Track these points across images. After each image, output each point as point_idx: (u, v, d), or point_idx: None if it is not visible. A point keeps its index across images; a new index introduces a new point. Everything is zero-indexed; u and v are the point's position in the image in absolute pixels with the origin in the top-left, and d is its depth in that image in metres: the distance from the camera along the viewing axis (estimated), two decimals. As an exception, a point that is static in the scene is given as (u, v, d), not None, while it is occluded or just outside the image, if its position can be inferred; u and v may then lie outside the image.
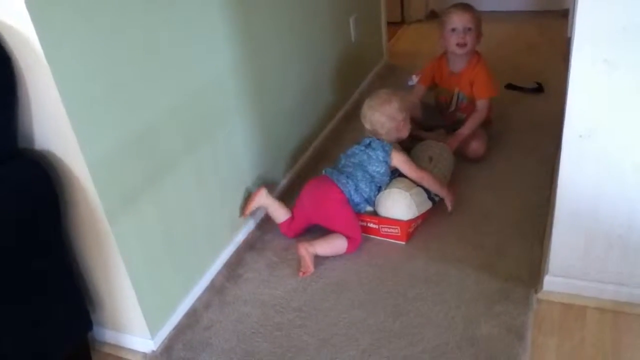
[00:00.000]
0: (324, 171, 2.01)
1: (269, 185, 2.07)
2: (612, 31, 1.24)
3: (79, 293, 1.50)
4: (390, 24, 3.66)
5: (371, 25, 3.15)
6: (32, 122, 1.29)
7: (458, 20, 2.28)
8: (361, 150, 1.97)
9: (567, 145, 1.40)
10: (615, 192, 1.41)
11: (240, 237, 1.99)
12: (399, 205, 1.91)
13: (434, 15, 4.17)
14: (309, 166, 2.41)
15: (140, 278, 1.52)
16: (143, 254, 1.54)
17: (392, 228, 1.93)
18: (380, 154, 1.94)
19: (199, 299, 1.78)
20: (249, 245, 1.99)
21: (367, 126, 2.03)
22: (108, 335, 1.64)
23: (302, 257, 1.84)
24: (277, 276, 1.85)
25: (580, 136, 1.37)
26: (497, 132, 2.49)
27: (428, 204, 1.98)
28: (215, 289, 1.82)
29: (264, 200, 1.99)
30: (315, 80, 2.48)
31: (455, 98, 2.42)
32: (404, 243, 1.93)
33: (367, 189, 1.93)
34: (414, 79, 2.90)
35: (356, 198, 1.92)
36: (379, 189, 1.97)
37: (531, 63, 3.18)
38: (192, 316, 1.72)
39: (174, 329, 1.68)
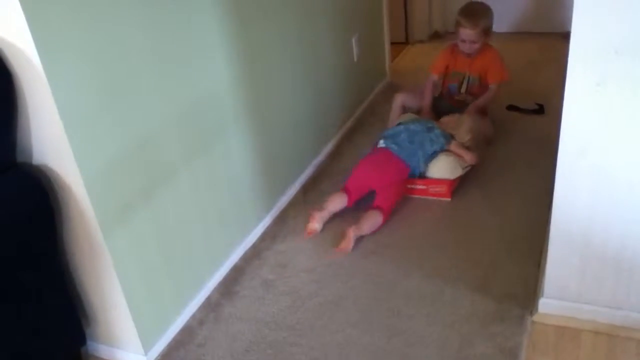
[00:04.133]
0: (383, 143, 2.33)
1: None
2: (605, 52, 1.25)
3: (73, 307, 1.50)
4: (394, 44, 3.69)
5: (374, 45, 3.18)
6: (30, 137, 1.31)
7: (465, 35, 2.58)
8: (423, 131, 2.33)
9: (562, 165, 1.40)
10: (609, 213, 1.41)
11: (237, 253, 1.99)
12: (448, 166, 2.30)
13: (437, 36, 4.20)
14: (309, 184, 2.42)
15: (134, 293, 1.53)
16: (138, 268, 1.54)
17: (439, 187, 2.28)
18: (442, 140, 2.34)
19: (194, 315, 1.78)
20: (246, 262, 2.00)
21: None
22: (101, 350, 1.65)
23: (348, 238, 2.00)
24: (272, 293, 1.85)
25: (575, 155, 1.37)
26: (497, 150, 2.50)
27: (464, 170, 2.33)
28: (211, 306, 1.82)
29: (321, 221, 2.14)
30: (317, 98, 2.50)
31: (466, 81, 2.70)
32: (448, 200, 2.26)
33: (424, 164, 2.30)
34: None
35: (415, 171, 2.29)
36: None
37: (532, 83, 3.19)
38: (187, 332, 1.72)
39: (167, 345, 1.68)
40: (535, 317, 1.62)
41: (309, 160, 2.49)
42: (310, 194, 2.37)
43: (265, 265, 1.98)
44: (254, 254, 2.04)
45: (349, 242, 2.01)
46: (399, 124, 2.44)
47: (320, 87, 2.54)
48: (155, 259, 1.61)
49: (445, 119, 2.49)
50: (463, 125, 2.42)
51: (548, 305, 1.60)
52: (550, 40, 3.78)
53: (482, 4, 2.70)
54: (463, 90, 2.71)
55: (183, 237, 1.72)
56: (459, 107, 2.65)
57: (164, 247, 1.64)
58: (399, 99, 2.72)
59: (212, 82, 1.79)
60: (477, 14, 2.60)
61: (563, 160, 1.40)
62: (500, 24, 3.98)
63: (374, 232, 2.07)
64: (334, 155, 2.64)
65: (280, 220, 2.21)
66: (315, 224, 2.12)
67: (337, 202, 2.19)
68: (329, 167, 2.55)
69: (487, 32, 2.61)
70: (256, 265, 1.98)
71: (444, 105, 2.72)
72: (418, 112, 2.69)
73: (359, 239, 2.04)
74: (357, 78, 2.93)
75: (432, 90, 2.73)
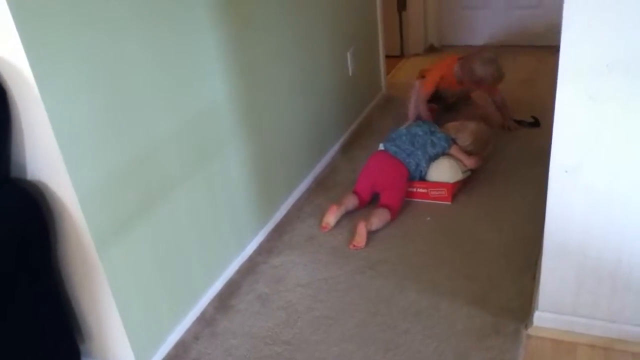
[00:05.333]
0: (382, 146, 2.39)
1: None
2: (595, 67, 1.26)
3: (67, 323, 1.49)
4: (389, 57, 3.71)
5: (369, 58, 3.19)
6: (24, 152, 1.31)
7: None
8: (425, 133, 2.38)
9: (554, 180, 1.41)
10: (603, 226, 1.42)
11: (233, 267, 1.99)
12: (449, 170, 2.33)
13: (432, 49, 4.23)
14: (305, 198, 2.42)
15: (129, 308, 1.52)
16: (133, 283, 1.54)
17: (440, 190, 2.30)
18: (444, 144, 2.38)
19: (189, 330, 1.77)
20: (242, 276, 1.99)
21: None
22: (96, 366, 1.64)
23: (360, 233, 2.07)
24: (268, 308, 1.85)
25: (566, 171, 1.38)
26: (493, 164, 2.51)
27: (464, 175, 2.37)
28: (206, 320, 1.81)
29: (337, 215, 2.21)
30: (312, 112, 2.51)
31: (456, 94, 2.99)
32: (449, 203, 2.29)
33: (425, 166, 2.33)
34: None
35: (415, 174, 2.33)
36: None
37: (527, 96, 3.20)
38: (181, 348, 1.71)
39: (162, 360, 1.67)
40: (531, 331, 1.62)
41: (304, 174, 2.49)
42: (306, 208, 2.37)
43: (261, 279, 1.98)
44: (250, 267, 2.03)
45: (361, 236, 2.08)
46: (400, 127, 2.49)
47: (316, 101, 2.55)
48: (151, 274, 1.61)
49: (449, 124, 2.52)
50: (466, 129, 2.45)
51: (543, 318, 1.60)
52: (545, 54, 3.80)
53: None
54: (452, 100, 3.01)
55: (179, 252, 1.72)
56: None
57: (160, 261, 1.64)
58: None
59: (209, 97, 1.79)
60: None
61: (554, 176, 1.40)
62: (494, 36, 4.03)
63: (384, 227, 2.16)
64: (330, 169, 2.65)
65: (277, 234, 2.21)
66: (331, 218, 2.19)
67: (351, 201, 2.27)
68: (325, 181, 2.55)
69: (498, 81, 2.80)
70: (252, 280, 1.98)
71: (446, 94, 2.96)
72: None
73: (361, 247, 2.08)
74: (352, 92, 2.94)
75: (417, 103, 2.84)
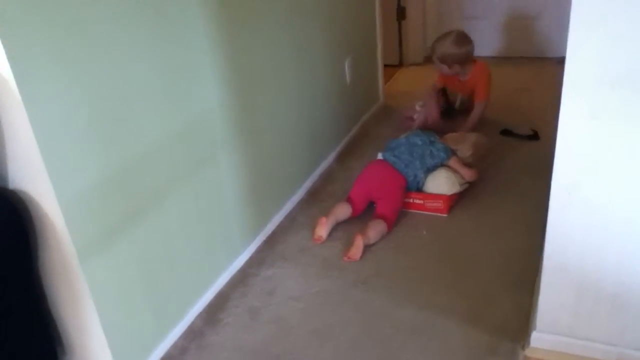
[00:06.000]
0: (381, 155, 2.38)
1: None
2: (600, 84, 1.22)
3: (49, 336, 1.44)
4: (388, 66, 3.68)
5: (367, 67, 3.16)
6: (5, 160, 1.26)
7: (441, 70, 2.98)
8: (424, 144, 2.33)
9: (555, 197, 1.36)
10: (604, 247, 1.37)
11: (222, 279, 1.94)
12: (446, 182, 2.29)
13: (432, 59, 4.19)
14: (299, 208, 2.38)
15: (112, 321, 1.47)
16: (117, 296, 1.49)
17: (436, 202, 2.26)
18: (443, 155, 2.33)
19: (176, 343, 1.71)
20: (232, 288, 1.94)
21: None
22: (78, 380, 1.58)
23: (357, 246, 2.02)
24: (258, 321, 1.80)
25: (568, 190, 1.33)
26: (490, 176, 2.47)
27: (462, 187, 2.32)
28: (194, 334, 1.76)
29: (327, 227, 2.16)
30: (309, 120, 2.47)
31: (458, 101, 3.06)
32: (445, 215, 2.25)
33: (423, 176, 2.29)
34: (418, 108, 2.99)
35: (412, 184, 2.29)
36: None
37: (526, 108, 3.18)
38: (167, 362, 1.67)
39: (147, 375, 1.62)
40: (528, 352, 1.57)
41: (299, 183, 2.44)
42: (300, 218, 2.32)
43: (251, 291, 1.93)
44: (240, 279, 1.98)
45: (358, 249, 2.03)
46: (399, 137, 2.44)
47: (313, 109, 2.51)
48: (136, 286, 1.56)
49: (450, 135, 2.48)
50: (467, 141, 2.41)
51: (540, 339, 1.55)
52: (545, 65, 3.78)
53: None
54: (457, 106, 3.06)
55: (166, 263, 1.67)
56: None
57: (146, 273, 1.59)
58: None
59: (202, 106, 1.75)
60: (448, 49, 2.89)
61: (556, 193, 1.36)
62: (495, 48, 4.01)
63: (380, 240, 2.11)
64: (326, 178, 2.60)
65: (268, 245, 2.16)
66: (322, 230, 2.14)
67: (343, 211, 2.22)
68: (319, 191, 2.51)
69: (466, 58, 2.90)
70: (242, 292, 1.93)
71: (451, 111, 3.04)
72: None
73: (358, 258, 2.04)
74: (349, 101, 2.90)
75: (437, 98, 2.99)
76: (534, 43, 3.97)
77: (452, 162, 2.33)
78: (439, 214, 2.27)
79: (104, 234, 1.43)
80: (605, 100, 1.22)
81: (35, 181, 1.26)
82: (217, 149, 1.85)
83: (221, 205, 1.91)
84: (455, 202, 2.31)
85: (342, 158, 2.77)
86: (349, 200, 2.26)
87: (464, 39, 2.89)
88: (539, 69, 3.74)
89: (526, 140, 2.82)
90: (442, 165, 2.33)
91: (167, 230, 1.65)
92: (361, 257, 2.03)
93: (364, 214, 2.25)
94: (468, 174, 2.33)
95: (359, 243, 2.03)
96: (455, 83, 3.02)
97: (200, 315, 1.81)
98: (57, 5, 1.22)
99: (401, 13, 3.98)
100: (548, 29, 3.90)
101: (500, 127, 2.91)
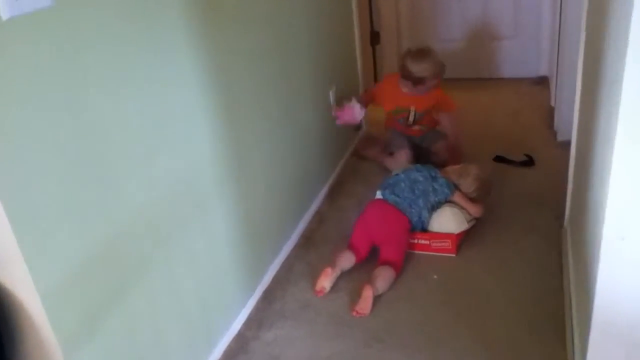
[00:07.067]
0: (380, 195, 2.18)
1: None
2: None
3: None
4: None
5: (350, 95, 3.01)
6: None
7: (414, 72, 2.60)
8: (426, 179, 2.18)
9: (607, 248, 1.21)
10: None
11: (220, 347, 1.72)
12: (453, 219, 2.13)
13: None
14: (294, 256, 2.18)
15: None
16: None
17: (443, 242, 2.10)
18: (447, 191, 2.17)
19: None
20: (232, 358, 1.72)
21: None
22: None
23: (366, 298, 1.85)
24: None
25: (623, 238, 1.19)
26: (491, 208, 2.31)
27: (469, 224, 2.18)
28: (194, 417, 1.54)
29: (332, 278, 1.98)
30: (297, 158, 2.29)
31: (412, 114, 2.74)
32: (454, 255, 2.09)
33: (427, 215, 2.14)
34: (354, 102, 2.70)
35: (417, 224, 2.12)
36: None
37: (515, 133, 3.08)
38: None
39: None
40: (574, 415, 1.41)
41: (291, 229, 2.25)
42: (297, 267, 2.13)
43: (253, 360, 1.72)
44: (239, 346, 1.77)
45: (367, 302, 1.85)
46: (398, 173, 2.26)
47: (301, 147, 2.33)
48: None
49: (449, 168, 2.30)
50: (470, 175, 2.24)
51: (589, 402, 1.39)
52: (522, 86, 3.72)
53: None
54: (411, 122, 2.77)
55: (158, 341, 1.45)
56: (419, 136, 2.79)
57: (137, 352, 1.37)
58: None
59: (190, 159, 1.55)
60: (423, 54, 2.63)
61: (608, 242, 1.21)
62: (470, 69, 3.92)
63: (389, 288, 1.94)
64: (318, 222, 2.42)
65: (266, 302, 1.95)
66: (326, 282, 1.95)
67: (346, 260, 2.03)
68: (313, 235, 2.33)
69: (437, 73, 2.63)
70: (242, 361, 1.72)
71: (401, 139, 2.76)
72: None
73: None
74: (336, 133, 2.74)
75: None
76: (510, 64, 3.90)
77: (457, 197, 2.18)
78: (447, 254, 2.11)
79: (89, 319, 1.21)
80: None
81: (8, 268, 1.04)
82: (204, 204, 1.64)
83: (214, 264, 1.70)
84: (461, 240, 2.16)
85: (332, 197, 2.59)
86: (351, 247, 2.08)
87: (433, 52, 2.67)
88: (520, 90, 3.67)
89: (521, 166, 2.71)
90: (446, 201, 2.18)
91: (157, 302, 1.44)
92: (371, 311, 1.85)
93: (369, 260, 2.07)
94: (474, 210, 2.18)
95: (368, 295, 1.85)
96: (401, 97, 2.71)
97: (199, 394, 1.60)
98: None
99: (375, 37, 3.87)
100: (523, 49, 3.84)
101: (492, 154, 2.79)
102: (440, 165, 2.40)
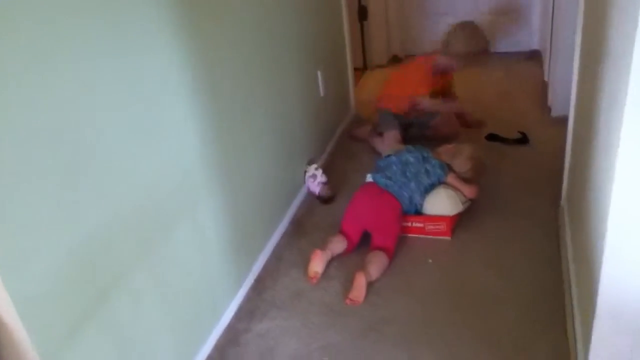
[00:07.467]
0: (370, 178, 2.10)
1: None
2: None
3: None
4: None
5: (338, 76, 2.93)
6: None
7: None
8: (417, 161, 2.10)
9: (612, 237, 1.16)
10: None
11: (210, 341, 1.66)
12: (448, 202, 2.06)
13: (396, 60, 4.01)
14: (283, 242, 2.13)
15: None
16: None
17: (438, 225, 2.04)
18: (440, 172, 2.11)
19: None
20: (222, 352, 1.66)
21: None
22: None
23: (358, 286, 1.79)
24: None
25: (628, 229, 1.14)
26: (486, 190, 2.25)
27: (464, 206, 2.11)
28: (185, 416, 1.49)
29: (323, 261, 1.92)
30: (286, 140, 2.22)
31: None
32: (449, 238, 2.04)
33: (419, 198, 2.07)
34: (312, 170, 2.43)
35: (409, 208, 2.06)
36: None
37: (507, 110, 3.02)
38: None
39: None
40: (577, 405, 1.38)
41: (281, 217, 2.19)
42: (287, 255, 2.07)
43: (246, 352, 1.66)
44: (231, 338, 1.71)
45: (360, 289, 1.80)
46: (389, 155, 2.18)
47: (290, 129, 2.26)
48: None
49: (441, 148, 2.22)
50: (462, 154, 2.17)
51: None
52: (514, 62, 3.65)
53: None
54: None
55: (145, 337, 1.39)
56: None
57: (123, 353, 1.31)
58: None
59: (176, 151, 1.48)
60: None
61: (614, 232, 1.16)
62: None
63: (382, 275, 1.89)
64: (307, 207, 2.36)
65: (257, 291, 1.90)
66: (318, 265, 1.89)
67: (337, 245, 1.99)
68: (303, 222, 2.27)
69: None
70: (235, 355, 1.66)
71: (392, 119, 2.67)
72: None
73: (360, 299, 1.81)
74: (324, 114, 2.67)
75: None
76: (501, 38, 3.82)
77: (451, 179, 2.12)
78: (442, 237, 2.06)
79: (71, 328, 1.14)
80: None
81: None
82: (194, 191, 1.58)
83: (201, 257, 1.63)
84: (457, 222, 2.10)
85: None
86: (342, 232, 2.02)
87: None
88: (510, 64, 3.60)
89: (515, 144, 2.65)
90: (439, 183, 2.12)
91: (142, 301, 1.38)
92: (365, 298, 1.80)
93: (360, 246, 2.01)
94: (469, 191, 2.12)
95: (360, 282, 1.80)
96: (437, 78, 2.72)
97: (189, 393, 1.54)
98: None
99: (363, 13, 3.77)
100: (514, 24, 3.77)
101: (484, 132, 2.73)
102: (442, 140, 2.35)
